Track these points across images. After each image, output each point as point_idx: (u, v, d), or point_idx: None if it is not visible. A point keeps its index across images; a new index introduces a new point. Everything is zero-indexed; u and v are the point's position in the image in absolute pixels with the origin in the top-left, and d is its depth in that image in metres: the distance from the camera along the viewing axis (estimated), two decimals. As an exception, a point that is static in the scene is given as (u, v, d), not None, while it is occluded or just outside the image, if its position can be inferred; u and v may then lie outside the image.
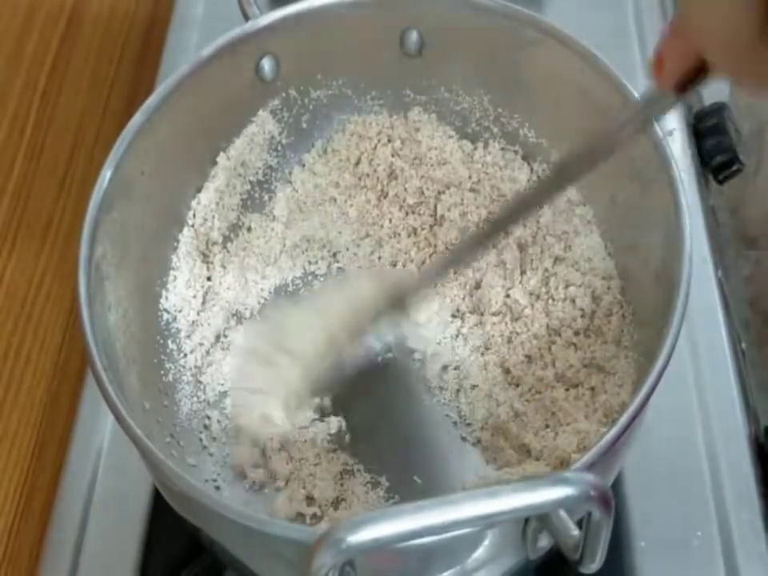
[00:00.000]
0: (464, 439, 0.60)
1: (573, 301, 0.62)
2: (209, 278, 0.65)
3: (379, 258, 0.67)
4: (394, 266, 0.66)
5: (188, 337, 0.62)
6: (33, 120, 0.80)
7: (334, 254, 0.67)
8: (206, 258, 0.65)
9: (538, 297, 0.63)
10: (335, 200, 0.68)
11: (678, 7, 0.41)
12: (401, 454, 0.59)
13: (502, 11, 0.62)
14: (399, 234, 0.67)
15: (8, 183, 0.77)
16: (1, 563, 0.62)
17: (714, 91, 0.80)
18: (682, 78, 0.42)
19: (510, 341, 0.62)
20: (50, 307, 0.72)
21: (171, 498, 0.52)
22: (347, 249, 0.67)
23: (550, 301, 0.62)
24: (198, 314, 0.63)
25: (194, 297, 0.63)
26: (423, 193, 0.67)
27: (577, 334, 0.61)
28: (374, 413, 0.61)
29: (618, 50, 0.75)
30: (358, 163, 0.69)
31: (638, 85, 0.75)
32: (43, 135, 0.80)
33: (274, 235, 0.67)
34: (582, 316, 0.61)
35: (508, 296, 0.63)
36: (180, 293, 0.63)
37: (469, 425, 0.60)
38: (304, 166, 0.69)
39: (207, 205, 0.64)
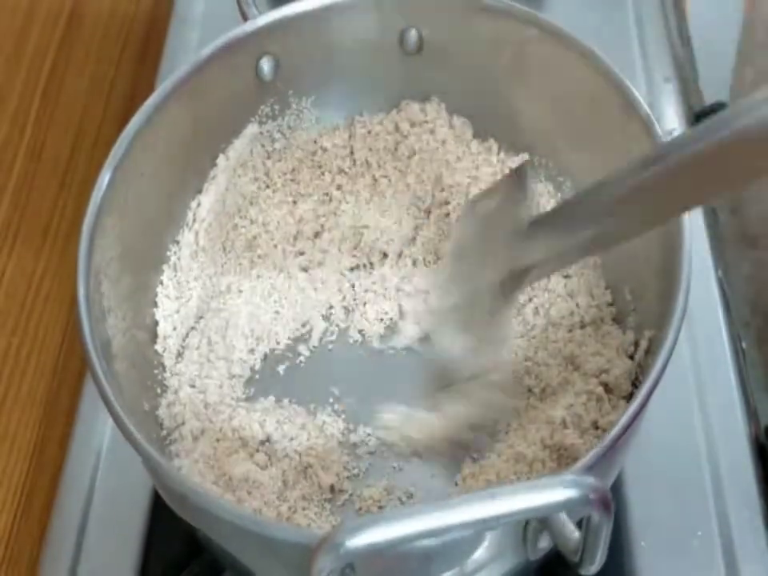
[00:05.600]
0: None
1: (572, 299, 0.62)
2: (209, 279, 0.65)
3: (376, 252, 0.66)
4: (385, 256, 0.66)
5: (186, 338, 0.62)
6: (33, 120, 0.80)
7: (334, 255, 0.67)
8: (205, 258, 0.65)
9: (535, 295, 0.63)
10: (336, 199, 0.68)
11: None
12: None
13: (502, 9, 0.62)
14: (395, 230, 0.67)
15: (8, 183, 0.77)
16: (1, 563, 0.62)
17: (714, 91, 0.81)
18: None
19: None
20: (50, 307, 0.72)
21: (171, 501, 0.52)
22: (348, 249, 0.67)
23: (549, 298, 0.62)
24: (198, 315, 0.63)
25: (193, 298, 0.63)
26: (422, 190, 0.67)
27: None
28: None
29: (618, 49, 0.75)
30: (357, 162, 0.69)
31: (638, 84, 0.75)
32: (43, 135, 0.80)
33: (275, 235, 0.67)
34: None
35: None
36: (179, 294, 0.63)
37: None
38: (304, 165, 0.69)
39: (207, 206, 0.64)
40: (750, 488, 0.60)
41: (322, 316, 0.65)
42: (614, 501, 0.40)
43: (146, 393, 0.58)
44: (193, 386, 0.61)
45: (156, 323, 0.61)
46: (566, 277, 0.63)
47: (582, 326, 0.61)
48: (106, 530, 0.61)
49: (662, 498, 0.60)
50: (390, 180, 0.68)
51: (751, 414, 0.63)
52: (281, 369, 0.63)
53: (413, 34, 0.65)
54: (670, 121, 0.75)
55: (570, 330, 0.61)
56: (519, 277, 0.55)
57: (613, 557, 0.44)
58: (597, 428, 0.56)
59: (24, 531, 0.63)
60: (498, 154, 0.68)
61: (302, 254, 0.67)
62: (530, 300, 0.63)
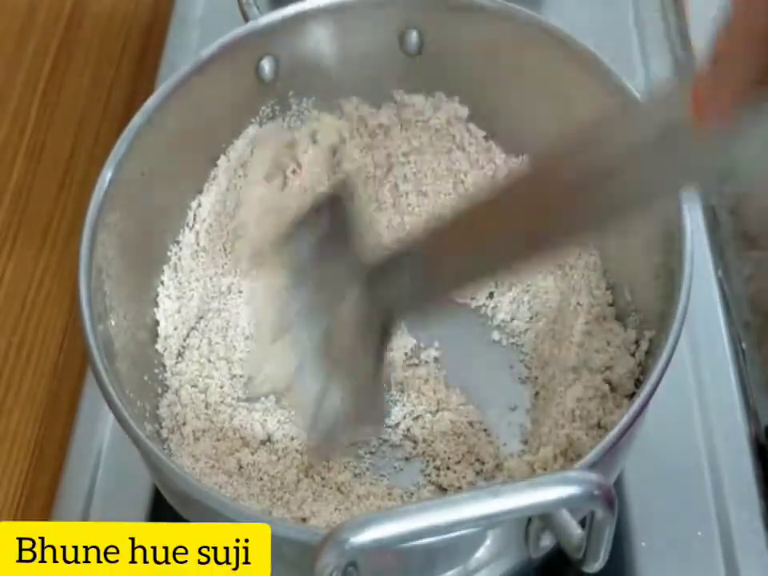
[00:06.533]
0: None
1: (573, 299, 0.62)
2: (209, 279, 0.65)
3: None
4: None
5: (187, 338, 0.62)
6: (33, 120, 0.80)
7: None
8: (206, 259, 0.65)
9: (533, 295, 0.63)
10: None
11: None
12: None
13: (501, 11, 0.62)
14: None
15: (8, 183, 0.77)
16: (1, 563, 0.62)
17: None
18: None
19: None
20: (49, 307, 0.72)
21: (172, 499, 0.52)
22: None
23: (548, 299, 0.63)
24: (199, 315, 0.63)
25: (194, 298, 0.63)
26: (422, 191, 0.68)
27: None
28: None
29: (618, 50, 0.75)
30: (356, 163, 0.69)
31: (638, 85, 0.75)
32: (43, 135, 0.80)
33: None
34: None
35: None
36: (180, 294, 0.63)
37: None
38: (304, 165, 0.69)
39: (208, 206, 0.64)
40: (750, 488, 0.60)
41: (323, 316, 0.65)
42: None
43: (146, 392, 0.58)
44: (194, 386, 0.61)
45: (157, 323, 0.61)
46: (566, 277, 0.63)
47: (586, 323, 0.61)
48: (107, 530, 0.61)
49: (662, 497, 0.60)
50: (385, 180, 0.68)
51: (751, 414, 0.63)
52: (281, 369, 0.63)
53: (413, 35, 0.65)
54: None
55: (573, 327, 0.61)
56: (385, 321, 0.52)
57: (613, 556, 0.44)
58: (600, 426, 0.56)
59: (24, 531, 0.63)
60: (498, 155, 0.68)
61: (302, 254, 0.67)
62: (521, 300, 0.63)
